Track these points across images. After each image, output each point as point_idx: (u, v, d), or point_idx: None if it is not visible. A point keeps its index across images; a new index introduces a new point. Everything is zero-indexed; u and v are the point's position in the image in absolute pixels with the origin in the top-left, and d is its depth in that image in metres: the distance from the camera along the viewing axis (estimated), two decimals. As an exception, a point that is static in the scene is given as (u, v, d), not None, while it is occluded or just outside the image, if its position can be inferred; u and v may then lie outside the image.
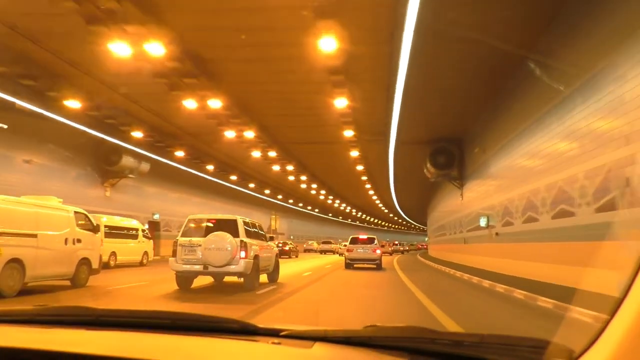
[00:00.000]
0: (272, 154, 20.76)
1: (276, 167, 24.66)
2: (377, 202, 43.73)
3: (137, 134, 16.70)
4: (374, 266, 16.35)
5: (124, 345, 0.99)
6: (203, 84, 11.39)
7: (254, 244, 8.46)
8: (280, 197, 38.95)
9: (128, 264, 15.06)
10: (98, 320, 1.17)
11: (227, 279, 9.01)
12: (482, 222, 13.47)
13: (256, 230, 9.24)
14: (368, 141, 17.68)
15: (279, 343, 1.01)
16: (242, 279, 8.25)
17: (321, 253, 36.87)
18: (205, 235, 7.97)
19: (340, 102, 12.61)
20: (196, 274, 8.14)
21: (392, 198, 35.56)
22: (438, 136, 16.49)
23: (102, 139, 16.46)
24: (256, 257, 8.36)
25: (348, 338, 1.02)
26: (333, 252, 35.35)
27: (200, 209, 27.22)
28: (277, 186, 34.62)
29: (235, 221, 8.26)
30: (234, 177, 27.91)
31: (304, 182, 31.67)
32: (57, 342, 0.97)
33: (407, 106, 11.74)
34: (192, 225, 8.40)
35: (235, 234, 7.96)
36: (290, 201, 41.95)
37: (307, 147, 20.45)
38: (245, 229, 8.32)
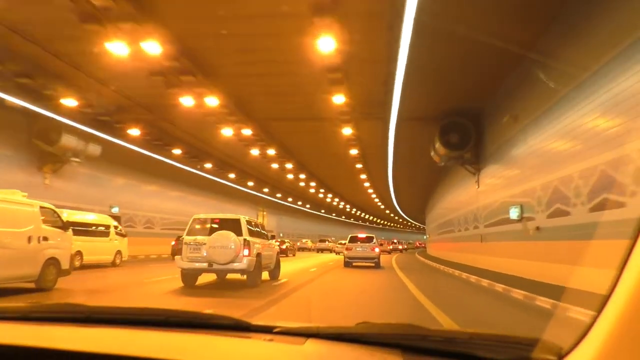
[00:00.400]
0: (247, 131, 21.55)
1: (255, 152, 26.43)
2: (375, 198, 48.57)
3: (70, 102, 16.41)
4: (373, 264, 20.71)
5: (116, 342, 1.28)
6: (145, 27, 11.26)
7: (257, 243, 11.44)
8: (266, 190, 42.62)
9: (98, 264, 16.97)
10: (90, 317, 1.51)
11: (229, 276, 12.19)
12: (513, 213, 13.41)
13: (258, 229, 12.33)
14: (363, 116, 18.28)
15: (271, 339, 1.33)
16: (245, 276, 11.42)
17: (318, 252, 44.25)
18: (209, 234, 10.85)
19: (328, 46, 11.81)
20: (201, 271, 11.00)
21: (389, 193, 39.62)
22: (450, 108, 16.59)
23: (36, 112, 16.95)
24: (259, 255, 11.35)
25: (340, 335, 1.35)
26: (330, 250, 41.68)
27: (173, 204, 30.96)
28: (261, 177, 37.65)
29: (238, 220, 11.26)
30: (209, 166, 30.30)
31: (290, 171, 34.48)
32: (50, 339, 1.25)
33: (414, 67, 11.93)
34: (197, 224, 11.32)
35: (238, 232, 10.89)
36: (279, 195, 45.82)
37: (290, 126, 21.72)
38: (248, 228, 11.28)
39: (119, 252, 19.01)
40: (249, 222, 11.69)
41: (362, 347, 1.28)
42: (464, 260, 21.49)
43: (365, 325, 1.40)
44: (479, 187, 18.43)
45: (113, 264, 18.38)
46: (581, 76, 9.31)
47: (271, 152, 26.98)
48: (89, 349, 1.17)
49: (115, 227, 19.18)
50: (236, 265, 10.87)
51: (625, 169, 8.26)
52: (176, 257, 11.14)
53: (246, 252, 10.90)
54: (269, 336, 1.36)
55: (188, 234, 11.18)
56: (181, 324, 1.48)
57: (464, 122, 17.08)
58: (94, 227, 17.55)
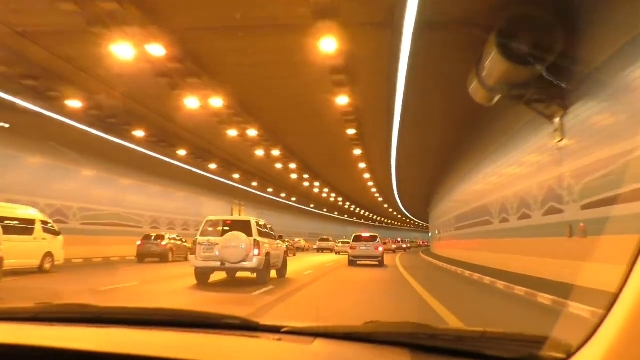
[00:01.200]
0: (217, 102, 16.95)
1: (232, 132, 21.68)
2: (375, 192, 47.85)
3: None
4: (377, 263, 21.47)
5: (126, 342, 1.31)
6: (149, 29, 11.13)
7: (266, 243, 12.19)
8: (237, 176, 36.26)
9: (19, 269, 13.39)
10: (100, 317, 1.55)
11: (239, 274, 12.92)
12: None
13: (267, 230, 13.17)
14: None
15: (280, 339, 1.34)
16: (255, 275, 12.17)
17: (318, 251, 43.50)
18: (222, 235, 11.71)
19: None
20: (214, 269, 11.82)
21: (392, 186, 39.58)
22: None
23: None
24: (267, 254, 12.09)
25: (348, 334, 1.35)
26: (331, 250, 41.47)
27: (129, 196, 28.09)
28: (237, 163, 32.08)
29: (249, 222, 12.06)
30: (182, 152, 25.81)
31: (277, 159, 29.95)
32: (59, 339, 1.27)
33: None
34: (209, 226, 12.19)
35: (249, 233, 11.67)
36: (254, 184, 40.55)
37: (274, 102, 18.30)
38: (258, 229, 12.12)
39: (48, 254, 15.35)
40: (258, 224, 12.44)
41: (370, 346, 1.29)
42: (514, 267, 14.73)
43: (374, 324, 1.42)
44: (562, 139, 11.06)
45: (41, 269, 14.85)
46: None
47: (252, 132, 22.35)
48: (100, 349, 1.20)
49: (44, 223, 15.64)
50: (247, 264, 11.61)
51: None
52: (190, 256, 11.91)
53: (256, 251, 11.64)
54: (277, 336, 1.38)
55: (201, 235, 11.96)
56: (190, 324, 1.51)
57: (543, 15, 9.52)
58: (7, 222, 13.46)
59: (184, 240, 24.39)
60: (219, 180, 35.32)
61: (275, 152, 27.40)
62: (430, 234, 54.15)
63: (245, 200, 44.73)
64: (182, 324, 1.51)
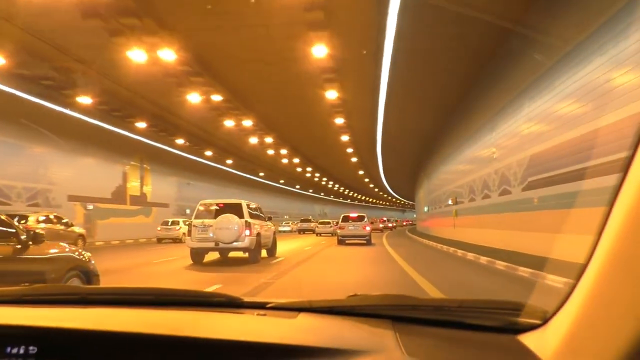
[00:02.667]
0: (167, 55, 15.28)
1: (194, 98, 20.17)
2: (360, 171, 48.06)
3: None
4: (364, 242, 22.34)
5: (111, 320, 1.30)
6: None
7: (256, 224, 12.86)
8: (200, 150, 34.23)
9: None
10: (85, 298, 1.55)
11: (231, 254, 13.65)
12: None
13: (257, 212, 13.89)
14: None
15: (264, 314, 1.36)
16: (247, 254, 12.88)
17: (300, 233, 41.80)
18: (215, 217, 12.38)
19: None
20: (208, 249, 12.51)
21: (377, 165, 39.91)
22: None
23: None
24: (258, 234, 12.77)
25: (332, 308, 1.38)
26: (313, 231, 39.78)
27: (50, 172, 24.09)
28: (199, 133, 29.61)
29: (240, 205, 12.73)
30: (141, 127, 25.13)
31: (248, 130, 28.05)
32: (44, 319, 1.26)
33: None
34: (203, 209, 12.88)
35: (240, 215, 12.34)
36: (229, 162, 38.57)
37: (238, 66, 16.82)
38: (248, 211, 12.84)
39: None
40: (248, 206, 13.13)
41: (353, 318, 1.31)
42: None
43: (356, 297, 1.43)
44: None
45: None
46: None
47: (217, 97, 20.74)
48: (83, 326, 1.19)
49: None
50: (239, 244, 12.32)
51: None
52: (186, 238, 12.62)
53: (247, 232, 12.32)
54: (262, 311, 1.40)
55: (196, 218, 12.61)
56: (174, 303, 1.52)
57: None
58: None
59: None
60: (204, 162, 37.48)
61: (248, 123, 26.93)
62: (415, 213, 55.24)
63: (237, 184, 45.66)
64: (166, 303, 1.51)
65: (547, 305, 1.02)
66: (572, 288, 0.86)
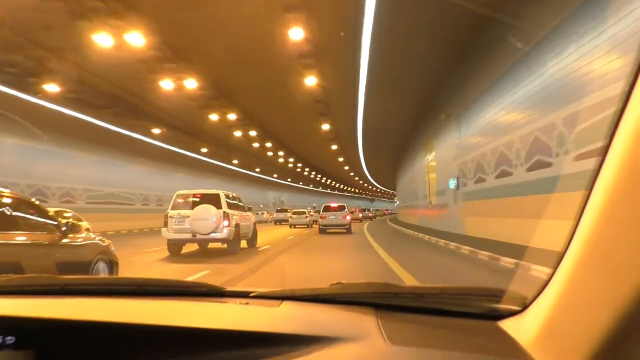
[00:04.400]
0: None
1: (214, 117, 22.59)
2: (340, 158, 46.94)
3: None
4: (345, 230, 23.05)
5: (91, 310, 1.28)
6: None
7: (235, 214, 12.62)
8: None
9: None
10: (64, 289, 1.50)
11: (211, 245, 13.29)
12: None
13: (236, 202, 13.54)
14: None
15: (247, 303, 1.36)
16: (225, 245, 12.58)
17: (276, 223, 38.97)
18: (192, 208, 12.05)
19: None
20: (185, 241, 12.23)
21: (359, 156, 39.72)
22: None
23: None
24: (237, 225, 12.53)
25: (315, 296, 1.38)
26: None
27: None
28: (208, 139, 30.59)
29: (218, 195, 12.42)
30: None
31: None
32: (21, 309, 1.25)
33: None
34: (180, 199, 12.48)
35: (218, 206, 12.05)
36: (205, 151, 36.21)
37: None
38: (227, 201, 12.52)
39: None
40: (227, 196, 12.81)
41: (336, 306, 1.32)
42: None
43: (339, 286, 1.42)
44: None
45: None
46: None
47: (190, 83, 19.36)
48: (63, 316, 1.17)
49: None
50: (217, 235, 12.03)
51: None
52: (162, 229, 12.18)
53: (226, 222, 12.03)
54: (244, 300, 1.39)
55: (172, 208, 12.24)
56: (156, 293, 1.50)
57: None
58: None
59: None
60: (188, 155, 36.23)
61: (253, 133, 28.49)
62: (396, 202, 55.33)
63: (219, 174, 44.52)
64: (147, 293, 1.49)
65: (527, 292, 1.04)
66: (551, 275, 0.87)
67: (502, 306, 1.14)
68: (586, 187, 0.76)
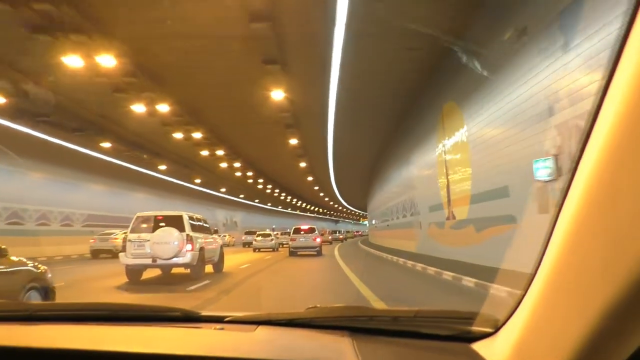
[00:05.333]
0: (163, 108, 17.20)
1: (179, 135, 22.05)
2: (314, 185, 46.22)
3: None
4: (315, 253, 22.72)
5: (62, 337, 1.24)
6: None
7: (199, 237, 11.95)
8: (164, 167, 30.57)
9: None
10: (34, 315, 1.45)
11: (175, 270, 12.43)
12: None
13: (201, 224, 12.81)
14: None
15: (222, 328, 1.34)
16: (189, 270, 11.79)
17: (244, 246, 35.46)
18: (153, 231, 11.31)
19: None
20: (145, 266, 11.43)
21: (330, 179, 39.29)
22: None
23: None
24: (201, 249, 11.85)
25: (290, 320, 1.37)
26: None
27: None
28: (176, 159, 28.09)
29: (181, 217, 11.72)
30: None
31: (221, 158, 28.77)
32: None
33: None
34: (141, 222, 11.69)
35: (181, 228, 11.36)
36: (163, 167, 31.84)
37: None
38: (190, 223, 11.79)
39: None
40: (191, 218, 12.14)
41: (312, 330, 1.31)
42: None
43: (315, 310, 1.42)
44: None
45: None
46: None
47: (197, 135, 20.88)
48: (32, 344, 1.14)
49: None
50: (180, 260, 11.31)
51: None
52: (120, 254, 11.36)
53: (189, 246, 11.34)
54: (219, 325, 1.37)
55: (132, 232, 11.47)
56: (129, 318, 1.46)
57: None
58: None
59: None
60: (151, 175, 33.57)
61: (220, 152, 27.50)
62: (368, 224, 54.64)
63: (184, 195, 41.96)
64: (119, 318, 1.45)
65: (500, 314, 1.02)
66: (522, 296, 0.87)
67: (475, 328, 1.15)
68: (554, 213, 0.77)
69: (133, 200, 33.92)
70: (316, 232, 24.14)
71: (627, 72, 0.61)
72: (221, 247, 14.15)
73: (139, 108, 18.53)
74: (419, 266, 13.56)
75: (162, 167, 32.77)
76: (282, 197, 61.16)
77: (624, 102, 0.61)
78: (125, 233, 20.99)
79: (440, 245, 16.40)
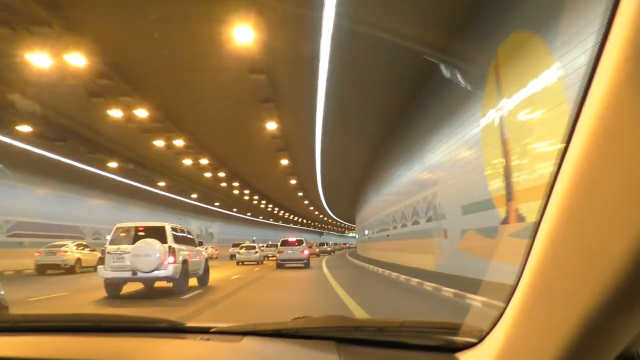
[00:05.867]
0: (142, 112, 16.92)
1: (160, 143, 21.59)
2: (303, 199, 45.25)
3: None
4: (302, 265, 22.54)
5: (46, 348, 1.22)
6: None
7: (183, 249, 11.47)
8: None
9: None
10: (16, 326, 1.44)
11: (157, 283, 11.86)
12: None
13: (185, 235, 12.31)
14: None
15: (208, 339, 1.33)
16: (171, 284, 11.23)
17: (231, 258, 33.89)
18: (133, 243, 10.79)
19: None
20: (125, 280, 10.89)
21: (318, 192, 38.57)
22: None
23: None
24: (185, 261, 11.37)
25: (276, 331, 1.36)
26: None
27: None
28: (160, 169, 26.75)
29: (163, 228, 11.22)
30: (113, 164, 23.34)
31: (205, 167, 28.17)
32: None
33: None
34: (121, 233, 11.17)
35: (163, 240, 10.87)
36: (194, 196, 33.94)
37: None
38: (173, 234, 11.30)
39: None
40: (174, 229, 11.67)
41: (298, 341, 1.30)
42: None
43: (301, 320, 1.41)
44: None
45: None
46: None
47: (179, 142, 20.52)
48: (15, 355, 1.12)
49: None
50: (161, 273, 10.81)
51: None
52: (99, 267, 10.79)
53: (171, 259, 10.83)
54: (205, 336, 1.36)
55: (111, 243, 10.97)
56: (114, 329, 1.42)
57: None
58: None
59: (93, 249, 21.94)
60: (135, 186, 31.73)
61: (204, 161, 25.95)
62: (356, 236, 53.61)
63: (171, 208, 41.20)
64: (104, 329, 1.41)
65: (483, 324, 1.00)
66: (504, 307, 0.88)
67: (459, 339, 1.15)
68: (534, 225, 0.77)
69: (83, 207, 30.29)
70: (304, 244, 23.91)
71: (607, 73, 0.60)
72: (206, 260, 13.66)
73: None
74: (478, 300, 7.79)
75: (113, 165, 26.51)
76: (262, 206, 55.25)
77: (600, 117, 0.62)
78: (77, 243, 21.04)
79: (482, 262, 11.32)
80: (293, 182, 38.10)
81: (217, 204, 48.83)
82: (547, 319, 0.75)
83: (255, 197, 48.80)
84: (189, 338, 1.37)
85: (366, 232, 37.65)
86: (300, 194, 45.69)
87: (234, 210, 55.25)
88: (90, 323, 1.47)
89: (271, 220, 72.09)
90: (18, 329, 1.41)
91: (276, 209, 59.79)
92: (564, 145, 0.68)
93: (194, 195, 41.64)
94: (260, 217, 66.53)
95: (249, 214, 60.87)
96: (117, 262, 10.69)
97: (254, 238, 49.96)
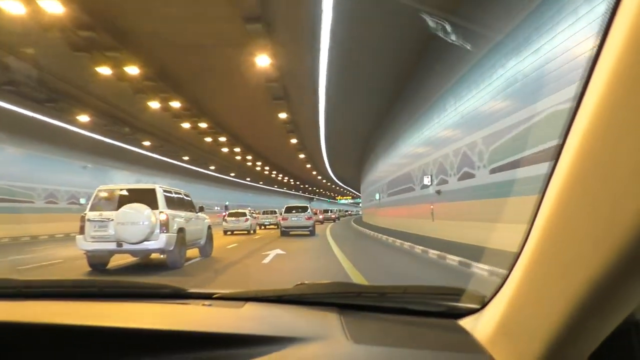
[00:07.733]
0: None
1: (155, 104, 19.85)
2: (306, 163, 43.24)
3: None
4: (307, 233, 21.27)
5: (51, 313, 1.19)
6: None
7: (178, 215, 9.70)
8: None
9: None
10: (21, 292, 1.40)
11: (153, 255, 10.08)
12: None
13: (181, 197, 10.48)
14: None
15: (210, 305, 1.29)
16: (164, 256, 9.47)
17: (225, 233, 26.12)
18: (117, 208, 8.95)
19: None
20: (109, 252, 9.15)
21: (322, 156, 36.79)
22: None
23: None
24: (181, 230, 9.60)
25: (278, 297, 1.32)
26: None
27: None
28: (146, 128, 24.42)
29: (153, 190, 9.34)
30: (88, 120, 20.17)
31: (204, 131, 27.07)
32: None
33: None
34: (103, 196, 9.34)
35: (154, 205, 9.06)
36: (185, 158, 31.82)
37: None
38: (166, 197, 9.49)
39: None
40: (167, 192, 9.79)
41: (300, 307, 1.27)
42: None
43: (303, 286, 1.36)
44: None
45: None
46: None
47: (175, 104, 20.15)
48: (22, 320, 1.10)
49: None
50: (151, 244, 9.05)
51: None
52: (77, 237, 8.99)
53: (163, 227, 8.96)
54: (207, 302, 1.32)
55: (91, 209, 9.16)
56: (117, 295, 1.41)
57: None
58: None
59: None
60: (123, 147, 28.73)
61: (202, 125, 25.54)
62: (361, 203, 52.08)
63: (165, 171, 37.44)
64: (108, 295, 1.41)
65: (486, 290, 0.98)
66: (507, 274, 0.87)
67: (462, 305, 1.14)
68: (539, 191, 0.75)
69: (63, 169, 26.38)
70: (309, 210, 22.77)
71: (607, 71, 0.59)
72: (209, 227, 11.80)
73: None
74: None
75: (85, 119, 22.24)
76: (297, 184, 50.67)
77: (612, 73, 0.60)
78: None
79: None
80: (294, 141, 34.74)
81: (282, 188, 47.12)
82: (550, 287, 0.74)
83: (303, 185, 48.42)
84: (192, 304, 1.33)
85: (377, 195, 31.95)
86: (321, 178, 44.79)
87: (292, 190, 52.79)
88: (93, 289, 1.46)
89: (262, 183, 64.38)
90: (22, 294, 1.39)
91: (313, 187, 55.97)
92: (576, 101, 0.65)
93: (186, 158, 38.78)
94: (248, 180, 59.06)
95: (300, 192, 59.29)
96: (99, 232, 8.90)
97: (227, 203, 43.87)
